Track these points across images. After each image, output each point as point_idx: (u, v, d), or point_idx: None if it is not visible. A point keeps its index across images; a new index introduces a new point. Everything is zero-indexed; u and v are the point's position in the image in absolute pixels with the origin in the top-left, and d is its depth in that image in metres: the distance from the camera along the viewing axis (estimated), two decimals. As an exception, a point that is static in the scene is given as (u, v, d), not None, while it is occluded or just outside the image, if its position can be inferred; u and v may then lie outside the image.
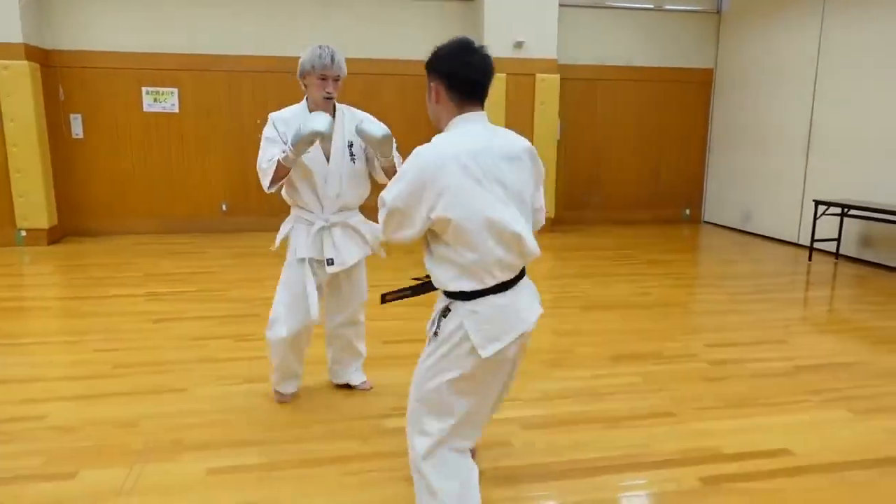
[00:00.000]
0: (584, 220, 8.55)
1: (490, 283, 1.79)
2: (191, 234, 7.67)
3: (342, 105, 2.91)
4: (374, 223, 2.64)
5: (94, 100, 7.29)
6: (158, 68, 7.34)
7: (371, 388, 3.26)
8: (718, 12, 8.60)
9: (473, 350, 1.80)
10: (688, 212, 9.02)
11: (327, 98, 2.76)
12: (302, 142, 2.58)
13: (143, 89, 7.38)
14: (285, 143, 2.72)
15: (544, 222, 2.06)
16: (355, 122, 2.81)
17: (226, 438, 2.74)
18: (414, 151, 1.77)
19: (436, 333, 1.87)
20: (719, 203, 8.77)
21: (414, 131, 8.30)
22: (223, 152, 7.60)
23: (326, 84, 2.74)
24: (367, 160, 2.94)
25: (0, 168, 6.70)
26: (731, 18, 8.43)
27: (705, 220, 9.06)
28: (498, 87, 7.51)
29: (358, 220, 2.97)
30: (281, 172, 2.72)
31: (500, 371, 1.92)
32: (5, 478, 2.42)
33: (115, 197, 7.53)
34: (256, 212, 7.75)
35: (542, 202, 2.02)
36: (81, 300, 4.89)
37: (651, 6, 8.40)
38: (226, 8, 7.39)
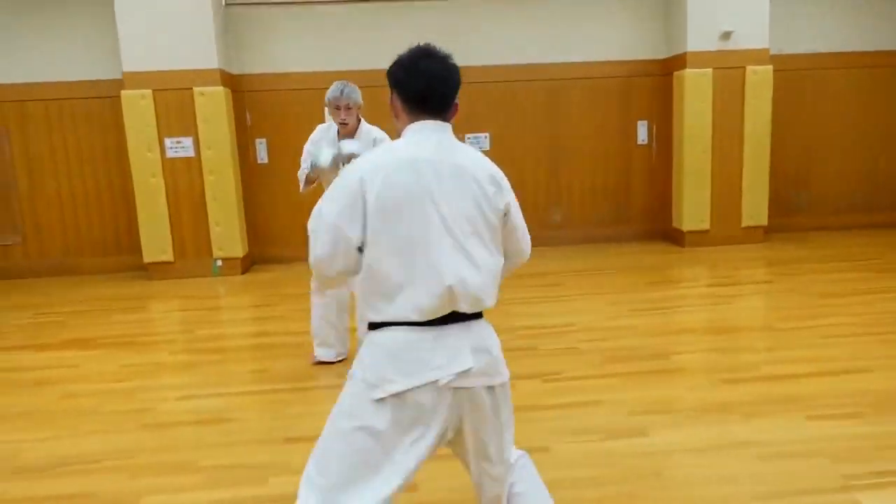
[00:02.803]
0: (792, 227, 7.63)
1: (403, 320, 1.57)
2: (373, 257, 7.33)
3: (369, 126, 3.57)
4: None
5: (278, 123, 7.09)
6: (341, 87, 7.07)
7: None
8: (941, -15, 7.56)
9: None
10: (911, 214, 7.94)
11: (342, 123, 3.45)
12: (314, 172, 3.49)
13: (326, 110, 7.11)
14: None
15: (520, 265, 1.84)
16: (368, 141, 3.47)
17: (669, 520, 2.18)
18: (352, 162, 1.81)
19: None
20: (950, 202, 7.65)
21: (602, 136, 7.73)
22: (405, 171, 7.24)
23: (339, 112, 3.42)
24: None
25: (197, 197, 6.56)
26: (958, -9, 7.38)
27: (930, 222, 7.94)
28: (703, 82, 6.80)
29: None
30: (310, 180, 3.64)
31: (410, 432, 1.57)
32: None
33: (297, 222, 7.28)
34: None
35: (518, 243, 1.76)
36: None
37: (865, -16, 7.47)
38: (402, 22, 7.06)
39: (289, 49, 6.99)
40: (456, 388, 1.58)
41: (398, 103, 1.70)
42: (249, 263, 7.05)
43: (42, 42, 6.67)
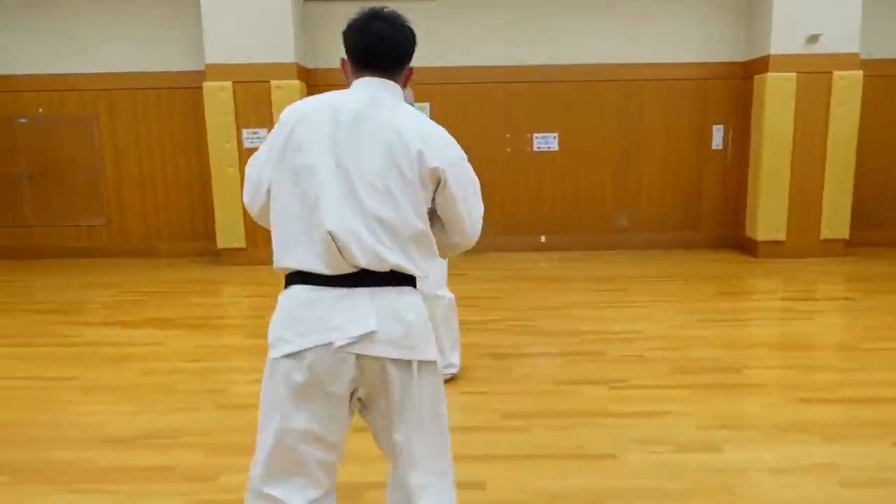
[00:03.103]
0: (875, 242, 7.24)
1: (303, 268, 1.50)
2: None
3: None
4: None
5: (349, 117, 7.23)
6: (413, 83, 7.13)
7: None
8: None
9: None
10: None
11: None
12: None
13: (397, 105, 7.21)
14: None
15: (462, 245, 1.70)
16: None
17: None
18: None
19: None
20: None
21: (674, 139, 7.52)
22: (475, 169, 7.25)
23: None
24: None
25: (270, 187, 6.76)
26: None
27: None
28: (787, 87, 6.53)
29: None
30: None
31: (309, 401, 1.50)
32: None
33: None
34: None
35: (454, 216, 1.62)
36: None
37: (967, -15, 7.00)
38: (471, 19, 7.05)
39: (363, 45, 7.10)
40: (360, 356, 1.49)
41: (348, 63, 1.66)
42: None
43: (131, 33, 7.01)
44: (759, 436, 2.84)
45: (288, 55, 6.57)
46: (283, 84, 6.56)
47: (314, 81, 7.06)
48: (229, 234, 6.79)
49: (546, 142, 7.27)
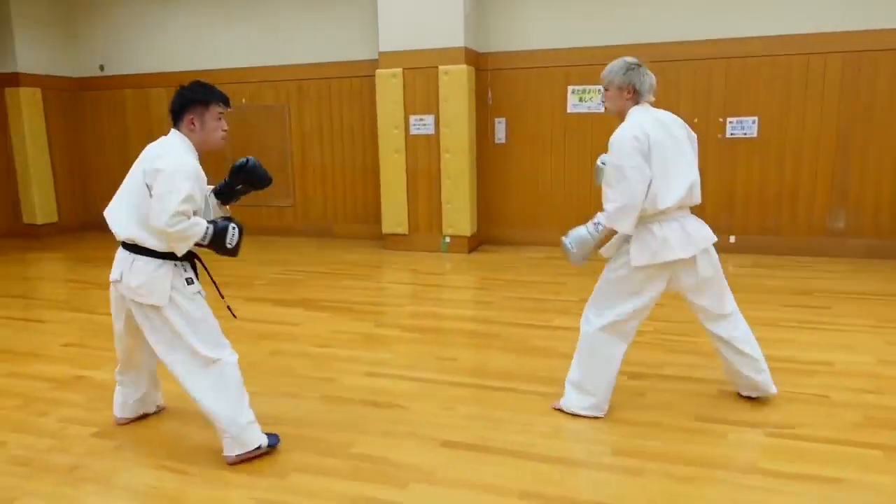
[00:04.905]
0: None
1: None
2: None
3: (637, 117, 2.74)
4: None
5: (519, 102, 6.91)
6: (586, 64, 6.59)
7: None
8: None
9: None
10: None
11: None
12: None
13: (569, 88, 6.73)
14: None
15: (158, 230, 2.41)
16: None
17: None
18: None
19: None
20: None
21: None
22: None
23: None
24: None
25: (434, 174, 6.73)
26: None
27: None
28: None
29: None
30: None
31: (119, 311, 2.65)
32: None
33: (529, 205, 7.08)
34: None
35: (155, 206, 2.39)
36: (531, 329, 4.23)
37: None
38: (663, -11, 6.29)
39: (533, 26, 6.73)
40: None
41: None
42: (477, 243, 7.05)
43: (317, 27, 7.41)
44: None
45: (457, 39, 6.43)
46: (450, 69, 6.45)
47: (484, 66, 6.86)
48: (393, 220, 6.91)
49: (742, 127, 6.26)
